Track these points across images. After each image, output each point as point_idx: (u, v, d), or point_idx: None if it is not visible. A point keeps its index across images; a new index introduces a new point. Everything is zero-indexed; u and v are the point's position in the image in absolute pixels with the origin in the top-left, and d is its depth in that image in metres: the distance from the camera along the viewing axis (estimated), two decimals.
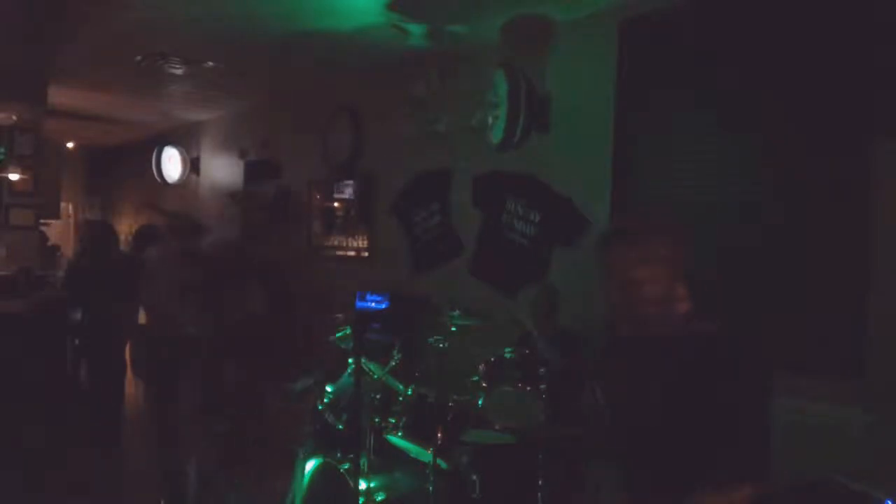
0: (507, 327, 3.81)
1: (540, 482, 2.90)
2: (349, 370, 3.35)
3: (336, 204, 6.16)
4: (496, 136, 4.27)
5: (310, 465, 3.26)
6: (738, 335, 1.76)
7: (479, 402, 3.17)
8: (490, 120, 4.34)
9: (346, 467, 3.13)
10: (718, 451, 1.63)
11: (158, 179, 8.64)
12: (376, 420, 3.24)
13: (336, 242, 6.19)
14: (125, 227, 9.75)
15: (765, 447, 1.64)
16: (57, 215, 8.19)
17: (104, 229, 5.90)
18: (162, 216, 6.21)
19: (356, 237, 5.97)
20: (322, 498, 3.21)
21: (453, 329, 3.47)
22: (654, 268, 1.77)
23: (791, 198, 3.16)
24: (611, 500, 2.18)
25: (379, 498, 3.18)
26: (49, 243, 7.80)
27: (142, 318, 5.65)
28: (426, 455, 3.09)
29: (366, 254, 5.88)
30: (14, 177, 6.39)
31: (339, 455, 3.20)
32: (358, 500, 3.04)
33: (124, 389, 5.66)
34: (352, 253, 6.02)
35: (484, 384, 3.27)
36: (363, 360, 3.08)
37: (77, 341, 6.04)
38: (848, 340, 2.93)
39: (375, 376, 3.32)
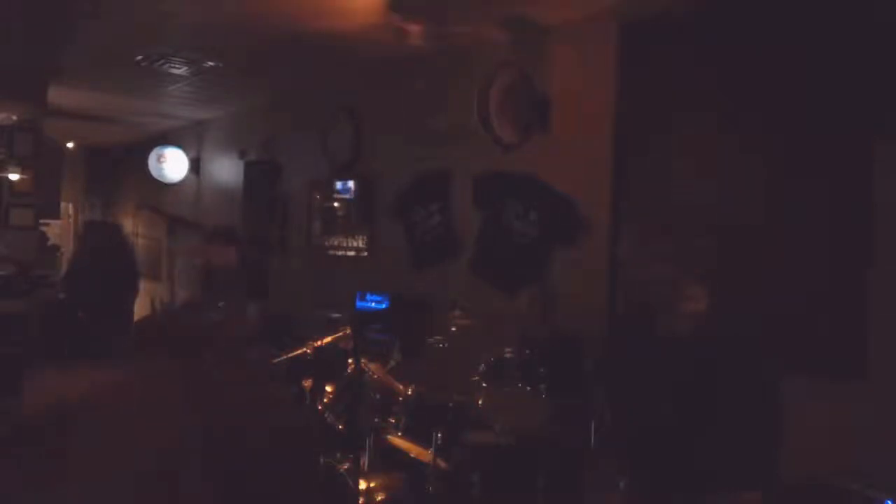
0: (507, 327, 3.81)
1: (540, 482, 2.90)
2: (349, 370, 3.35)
3: (336, 204, 6.16)
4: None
5: None
6: (747, 336, 1.77)
7: (479, 402, 3.17)
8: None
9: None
10: (729, 453, 1.63)
11: (157, 178, 8.64)
12: (376, 420, 3.24)
13: (336, 242, 6.19)
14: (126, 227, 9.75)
15: (775, 449, 1.65)
16: (57, 215, 8.20)
17: (105, 230, 5.90)
18: (162, 217, 6.22)
19: (356, 237, 5.97)
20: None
21: (453, 329, 3.46)
22: (651, 270, 1.78)
23: (791, 198, 3.16)
24: (616, 500, 2.17)
25: (379, 498, 3.18)
26: (49, 243, 7.80)
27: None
28: (426, 455, 3.09)
29: (366, 254, 5.88)
30: (14, 177, 6.39)
31: (338, 455, 3.20)
32: (358, 500, 3.03)
33: None
34: (352, 253, 6.02)
35: (484, 384, 3.27)
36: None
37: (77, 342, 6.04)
38: (848, 341, 2.93)
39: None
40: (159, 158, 8.60)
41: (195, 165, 8.59)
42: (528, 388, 3.12)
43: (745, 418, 1.62)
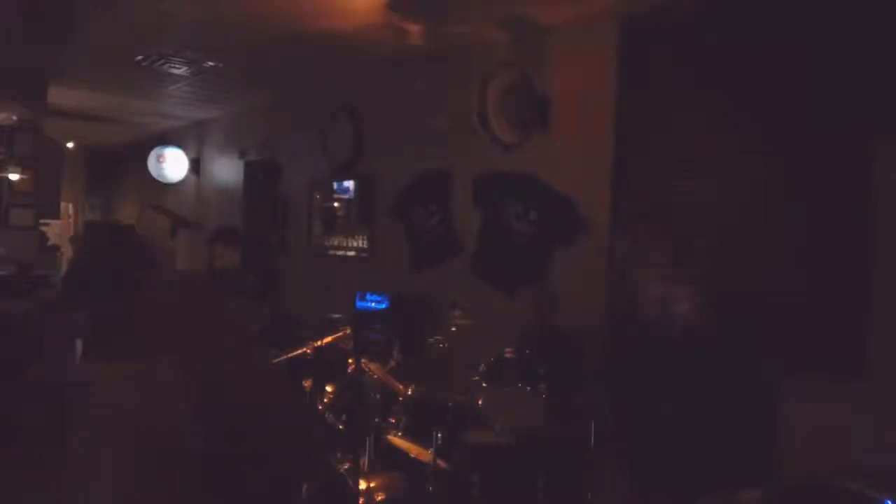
0: (507, 327, 3.81)
1: (540, 482, 2.90)
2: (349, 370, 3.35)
3: (336, 204, 6.16)
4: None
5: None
6: (747, 336, 1.77)
7: (479, 402, 3.17)
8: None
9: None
10: (728, 453, 1.63)
11: (157, 178, 8.64)
12: (376, 420, 3.24)
13: (336, 242, 6.19)
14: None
15: (770, 448, 1.65)
16: (57, 215, 8.18)
17: (105, 229, 5.89)
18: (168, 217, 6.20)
19: (356, 237, 5.97)
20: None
21: (453, 329, 3.46)
22: (651, 270, 1.78)
23: (791, 198, 3.16)
24: (615, 500, 2.17)
25: (379, 498, 3.18)
26: (49, 243, 7.79)
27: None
28: (426, 455, 3.09)
29: (366, 254, 5.88)
30: (14, 177, 6.39)
31: (339, 455, 3.20)
32: (358, 500, 3.03)
33: None
34: (352, 253, 6.02)
35: (484, 384, 3.27)
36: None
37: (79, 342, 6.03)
38: (848, 341, 2.93)
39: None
40: (159, 158, 8.59)
41: (195, 165, 8.59)
42: (528, 388, 3.12)
43: (744, 418, 1.62)
